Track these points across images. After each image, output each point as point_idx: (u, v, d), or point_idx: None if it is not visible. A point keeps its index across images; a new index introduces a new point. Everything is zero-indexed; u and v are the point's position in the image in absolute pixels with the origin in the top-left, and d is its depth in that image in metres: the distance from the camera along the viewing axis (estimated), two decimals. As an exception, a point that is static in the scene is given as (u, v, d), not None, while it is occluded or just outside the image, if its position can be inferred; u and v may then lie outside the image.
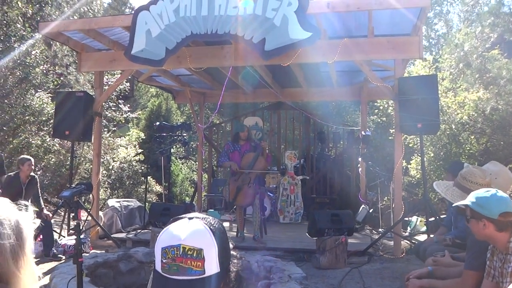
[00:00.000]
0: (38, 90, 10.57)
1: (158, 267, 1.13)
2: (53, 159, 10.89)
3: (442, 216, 6.53)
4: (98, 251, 6.12)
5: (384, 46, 6.36)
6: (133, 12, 6.62)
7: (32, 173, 6.66)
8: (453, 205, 2.69)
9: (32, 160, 6.68)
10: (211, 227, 1.14)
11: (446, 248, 3.82)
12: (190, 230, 1.12)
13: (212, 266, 1.10)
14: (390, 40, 6.40)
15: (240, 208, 6.96)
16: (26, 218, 1.24)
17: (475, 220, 2.38)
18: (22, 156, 6.91)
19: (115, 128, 13.54)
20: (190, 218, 1.16)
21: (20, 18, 10.19)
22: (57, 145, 10.80)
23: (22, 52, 9.65)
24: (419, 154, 8.60)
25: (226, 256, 1.16)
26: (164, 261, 1.10)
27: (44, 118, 10.49)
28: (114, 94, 11.94)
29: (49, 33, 6.85)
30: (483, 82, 8.73)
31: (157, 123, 9.52)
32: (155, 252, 1.14)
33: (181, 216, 1.18)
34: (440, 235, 4.68)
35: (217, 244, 1.12)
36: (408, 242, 6.60)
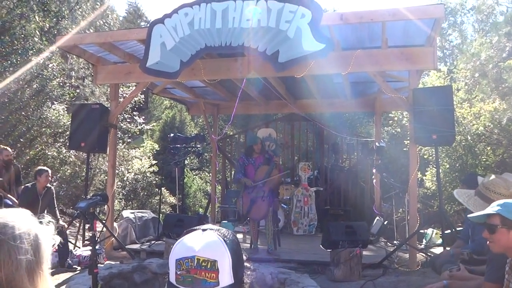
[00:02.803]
0: (55, 102, 10.73)
1: (172, 278, 1.13)
2: (68, 171, 11.01)
3: (458, 229, 6.45)
4: (113, 262, 6.14)
5: (398, 57, 6.33)
6: (148, 25, 6.70)
7: (48, 184, 6.74)
8: (471, 216, 2.62)
9: (50, 171, 6.77)
10: (225, 239, 1.14)
11: (462, 263, 3.76)
12: (204, 241, 1.12)
13: (226, 278, 1.11)
14: (404, 51, 6.38)
15: (254, 220, 6.94)
16: (46, 233, 1.19)
17: (506, 229, 2.29)
18: (39, 167, 6.99)
19: (129, 140, 13.66)
20: (204, 230, 1.17)
21: (37, 32, 10.38)
22: (72, 156, 10.92)
23: (39, 65, 9.83)
24: (435, 166, 8.51)
25: (240, 268, 1.17)
26: (178, 272, 1.11)
27: (60, 130, 10.64)
28: (129, 106, 12.07)
29: (65, 46, 6.97)
30: (499, 92, 8.65)
31: (171, 134, 9.57)
32: (169, 264, 1.14)
33: (195, 227, 1.19)
34: (457, 248, 4.61)
35: (231, 256, 1.12)
36: (424, 254, 6.51)
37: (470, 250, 4.15)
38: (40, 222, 1.18)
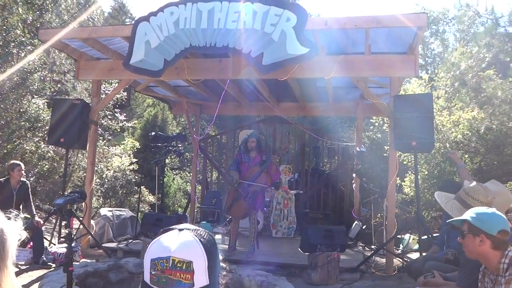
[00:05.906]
0: (35, 96, 10.55)
1: (146, 278, 1.12)
2: (46, 166, 10.84)
3: (435, 235, 6.54)
4: (89, 260, 6.07)
5: (380, 63, 6.40)
6: (133, 22, 6.66)
7: (23, 178, 6.59)
8: (450, 220, 2.67)
9: (22, 165, 6.58)
10: (201, 239, 1.14)
11: (446, 262, 3.84)
12: (180, 242, 1.12)
13: (201, 279, 1.10)
14: (386, 58, 6.45)
15: (236, 220, 6.94)
16: (12, 228, 1.15)
17: (472, 235, 2.36)
18: (12, 161, 6.78)
19: (110, 137, 13.51)
20: (180, 230, 1.16)
21: (20, 24, 10.20)
22: (51, 151, 10.76)
23: (20, 58, 9.66)
24: (413, 172, 8.62)
25: (216, 269, 1.16)
26: (153, 273, 1.10)
27: (39, 125, 10.46)
28: (111, 102, 11.94)
29: (48, 40, 6.86)
30: (478, 101, 8.79)
31: (153, 133, 9.51)
32: (144, 263, 1.13)
33: (172, 227, 1.18)
34: (433, 254, 4.68)
35: (206, 257, 1.12)
36: (400, 260, 6.59)
37: (455, 251, 4.22)
38: (8, 218, 1.16)
